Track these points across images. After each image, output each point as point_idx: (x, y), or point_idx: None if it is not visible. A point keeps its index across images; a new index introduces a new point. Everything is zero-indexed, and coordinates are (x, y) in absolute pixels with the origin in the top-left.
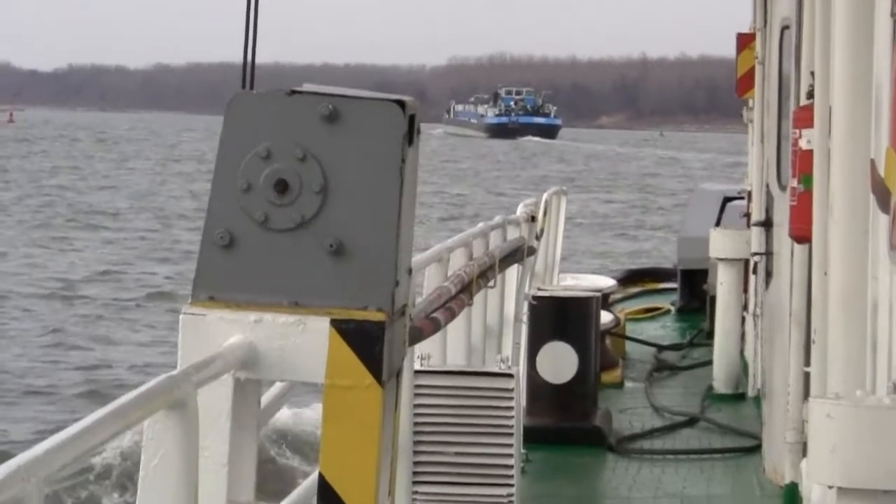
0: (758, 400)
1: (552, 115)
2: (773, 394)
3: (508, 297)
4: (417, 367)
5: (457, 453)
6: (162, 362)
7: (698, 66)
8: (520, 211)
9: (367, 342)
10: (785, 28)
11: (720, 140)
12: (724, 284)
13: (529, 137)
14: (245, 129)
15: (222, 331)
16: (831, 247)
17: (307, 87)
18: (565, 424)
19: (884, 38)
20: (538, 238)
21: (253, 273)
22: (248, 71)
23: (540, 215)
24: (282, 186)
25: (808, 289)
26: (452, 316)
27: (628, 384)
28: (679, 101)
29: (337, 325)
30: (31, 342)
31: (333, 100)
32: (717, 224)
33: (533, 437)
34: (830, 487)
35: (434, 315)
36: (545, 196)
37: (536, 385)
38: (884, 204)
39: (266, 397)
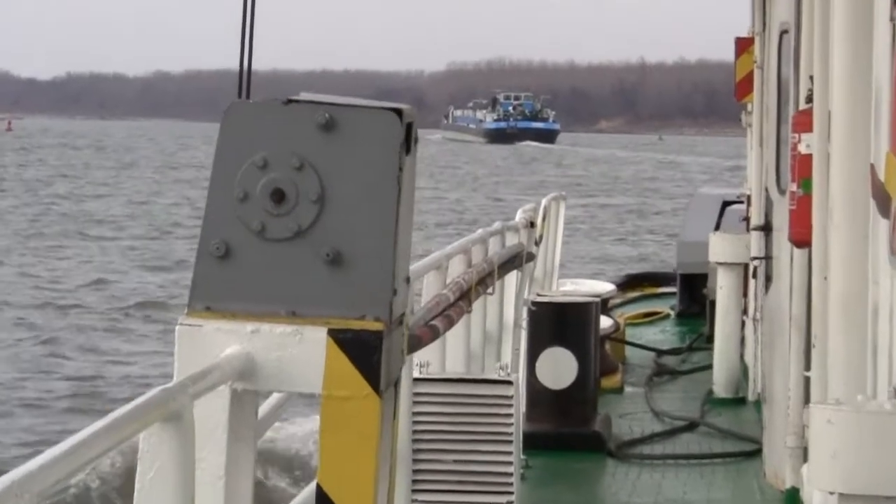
0: (758, 404)
1: (551, 119)
2: (773, 398)
3: (507, 304)
4: (416, 374)
5: (456, 461)
6: (156, 374)
7: (697, 70)
8: (518, 217)
9: (364, 352)
10: (784, 32)
11: (719, 144)
12: (723, 289)
13: (528, 142)
14: (241, 139)
15: (219, 341)
16: (831, 251)
17: (304, 95)
18: (565, 430)
19: (883, 41)
20: (537, 244)
21: (250, 283)
22: (245, 80)
23: (539, 221)
24: (278, 196)
25: (808, 293)
26: (451, 324)
27: (628, 389)
28: (678, 105)
29: (334, 334)
30: (26, 351)
31: (330, 108)
32: (717, 228)
33: (533, 443)
34: (832, 493)
35: (433, 323)
36: (544, 202)
37: (536, 391)
38: (884, 209)
39: (263, 408)
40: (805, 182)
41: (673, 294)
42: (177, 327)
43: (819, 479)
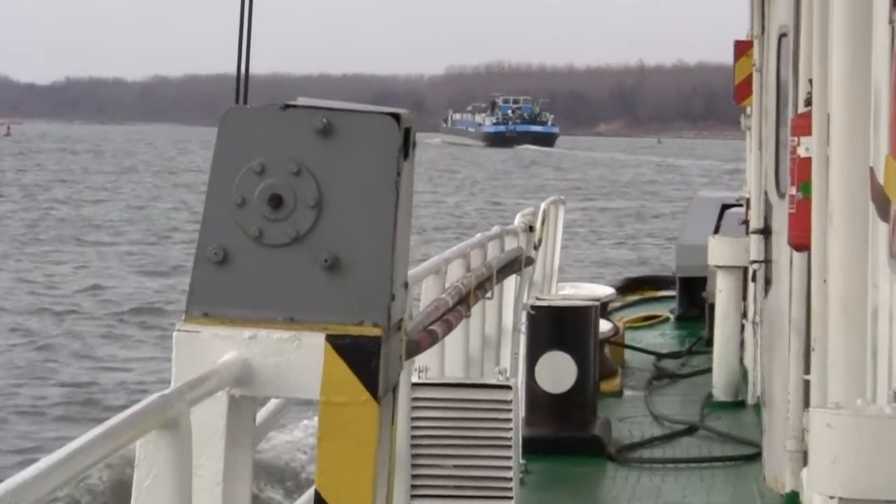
0: (758, 408)
1: (549, 123)
2: (773, 402)
3: (507, 308)
4: (415, 379)
5: (455, 466)
6: (153, 380)
7: (696, 73)
8: (517, 221)
9: (362, 358)
10: (783, 35)
11: (718, 147)
12: (722, 292)
13: (527, 146)
14: (239, 144)
15: (217, 347)
16: (831, 255)
17: (301, 100)
18: (564, 434)
19: (882, 44)
20: (536, 248)
21: (247, 289)
22: (242, 85)
23: (538, 225)
24: (276, 201)
25: (807, 297)
26: (450, 328)
27: (627, 393)
28: (677, 108)
29: (332, 340)
30: (21, 357)
31: (328, 113)
32: (716, 232)
33: (532, 448)
34: (832, 498)
35: (431, 328)
36: (543, 205)
37: (535, 395)
38: (883, 212)
39: (261, 414)
40: (804, 185)
41: (672, 297)
42: (174, 333)
43: (819, 483)
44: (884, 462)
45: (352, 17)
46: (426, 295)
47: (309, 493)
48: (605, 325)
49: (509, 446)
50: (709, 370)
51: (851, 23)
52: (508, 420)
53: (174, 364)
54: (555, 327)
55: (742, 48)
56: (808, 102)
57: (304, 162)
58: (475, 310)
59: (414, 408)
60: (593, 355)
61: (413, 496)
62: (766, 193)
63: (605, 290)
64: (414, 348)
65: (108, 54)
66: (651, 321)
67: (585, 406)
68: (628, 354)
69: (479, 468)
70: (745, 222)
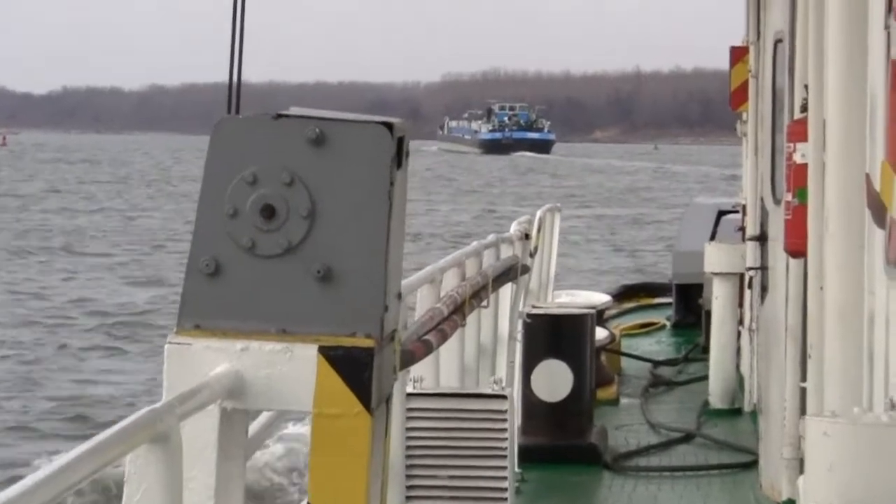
0: (754, 415)
1: (546, 129)
2: (769, 409)
3: (502, 316)
4: (410, 389)
5: (450, 476)
6: (143, 391)
7: (692, 80)
8: (513, 229)
9: (355, 369)
10: (778, 41)
11: (715, 153)
12: (719, 299)
13: (523, 153)
14: (231, 154)
15: (208, 360)
16: (827, 261)
17: (294, 110)
18: (561, 443)
19: (878, 50)
20: (532, 256)
21: (239, 300)
22: (234, 95)
23: (534, 233)
24: (268, 212)
25: (803, 303)
26: (445, 338)
27: (624, 401)
28: (673, 114)
29: (325, 352)
30: (11, 371)
31: (320, 123)
32: (712, 238)
33: (528, 456)
34: None
35: (426, 337)
36: (539, 213)
37: (531, 403)
38: (880, 219)
39: (253, 427)
40: (800, 192)
41: (669, 304)
42: (165, 346)
43: (815, 491)
44: (880, 470)
45: (349, 26)
46: (421, 304)
47: None
48: (601, 333)
49: (504, 456)
50: (705, 377)
51: (847, 28)
52: (504, 430)
53: (165, 376)
54: (551, 335)
55: (738, 54)
56: (804, 108)
57: (297, 172)
58: (471, 319)
59: (409, 418)
60: (589, 363)
61: None
62: (762, 200)
63: (601, 298)
64: (408, 358)
65: (105, 64)
66: (647, 328)
67: (582, 414)
68: (625, 362)
69: (474, 478)
70: (742, 229)
